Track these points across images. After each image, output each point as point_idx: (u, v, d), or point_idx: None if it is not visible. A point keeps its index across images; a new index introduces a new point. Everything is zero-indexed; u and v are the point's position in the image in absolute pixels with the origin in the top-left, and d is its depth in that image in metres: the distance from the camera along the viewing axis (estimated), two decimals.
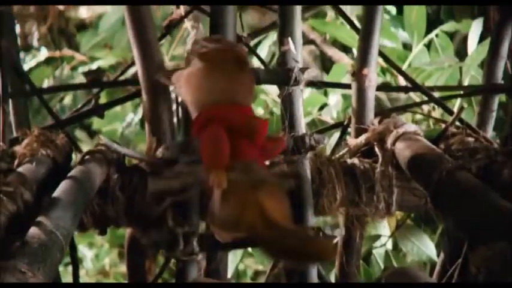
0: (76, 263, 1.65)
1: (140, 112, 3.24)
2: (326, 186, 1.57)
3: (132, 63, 1.72)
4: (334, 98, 2.68)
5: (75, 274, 1.64)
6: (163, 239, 1.51)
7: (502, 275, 0.96)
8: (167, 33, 1.82)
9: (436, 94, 2.00)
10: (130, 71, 2.15)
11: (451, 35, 3.02)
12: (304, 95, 1.76)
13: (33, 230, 1.08)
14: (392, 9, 3.31)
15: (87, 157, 1.49)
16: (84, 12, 3.85)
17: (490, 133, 1.76)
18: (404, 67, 2.75)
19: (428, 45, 2.87)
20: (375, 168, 1.60)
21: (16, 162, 1.48)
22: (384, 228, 2.09)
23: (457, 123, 1.68)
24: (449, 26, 2.91)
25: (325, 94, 2.76)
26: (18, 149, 1.53)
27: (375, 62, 1.70)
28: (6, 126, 1.58)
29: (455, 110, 1.89)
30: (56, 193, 1.26)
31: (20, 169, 1.41)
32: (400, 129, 1.59)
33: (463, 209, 1.22)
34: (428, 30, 2.85)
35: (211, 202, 1.25)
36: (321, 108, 2.76)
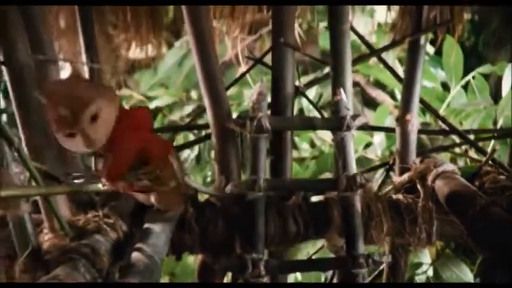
0: None
1: (196, 149, 3.49)
2: (374, 219, 1.75)
3: (204, 110, 1.95)
4: (379, 137, 2.89)
5: None
6: (232, 264, 1.73)
7: None
8: (232, 85, 2.07)
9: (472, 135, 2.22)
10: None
11: (487, 76, 3.23)
12: None
13: (136, 255, 1.32)
14: (430, 49, 3.52)
15: None
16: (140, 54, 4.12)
17: None
18: (443, 107, 2.96)
19: (466, 86, 3.08)
20: (417, 202, 1.77)
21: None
22: (425, 257, 2.28)
23: (491, 162, 1.89)
24: (485, 68, 3.11)
25: (370, 133, 2.98)
26: None
27: (417, 108, 1.92)
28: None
29: (489, 149, 2.10)
30: (148, 224, 1.50)
31: (113, 203, 1.64)
32: (439, 169, 1.78)
33: (494, 239, 1.43)
34: (467, 69, 3.06)
35: None
36: (366, 146, 2.97)
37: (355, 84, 3.38)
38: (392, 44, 2.05)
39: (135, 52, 3.51)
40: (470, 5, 2.11)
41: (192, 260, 3.59)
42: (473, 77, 3.06)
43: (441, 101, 3.08)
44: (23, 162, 1.27)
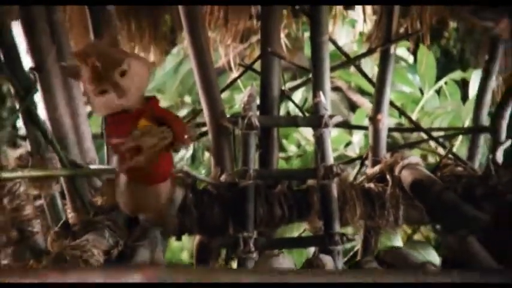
0: None
1: (191, 149, 3.74)
2: (348, 203, 1.99)
3: (200, 110, 2.20)
4: (357, 136, 3.17)
5: None
6: (226, 243, 1.99)
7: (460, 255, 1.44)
8: (226, 89, 2.34)
9: (442, 133, 2.50)
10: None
11: (463, 81, 3.50)
12: (332, 134, 2.21)
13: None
14: (409, 57, 3.80)
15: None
16: None
17: (477, 163, 2.23)
18: (417, 109, 3.25)
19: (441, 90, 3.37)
20: (386, 190, 2.02)
21: None
22: (398, 241, 2.56)
23: (452, 156, 2.17)
24: (456, 74, 3.40)
25: (350, 133, 3.26)
26: None
27: (387, 109, 2.18)
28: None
29: (456, 145, 2.38)
30: None
31: None
32: (405, 161, 2.03)
33: (446, 216, 1.70)
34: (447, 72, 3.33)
35: None
36: (347, 145, 3.24)
37: (338, 89, 3.65)
38: (365, 53, 2.31)
39: None
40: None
41: (186, 257, 3.84)
42: (446, 83, 3.35)
43: (417, 104, 3.37)
44: (54, 150, 1.53)
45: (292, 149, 3.72)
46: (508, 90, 2.09)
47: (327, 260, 1.75)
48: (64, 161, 1.56)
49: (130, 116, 1.41)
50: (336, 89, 3.63)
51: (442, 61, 3.90)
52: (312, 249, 2.39)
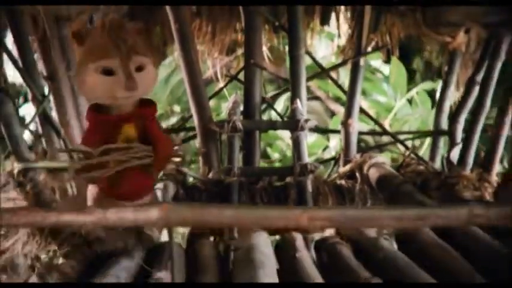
0: None
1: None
2: (322, 198, 2.23)
3: (190, 116, 2.45)
4: (334, 141, 3.42)
5: None
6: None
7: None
8: (213, 96, 2.59)
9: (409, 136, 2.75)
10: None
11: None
12: (311, 139, 2.43)
13: None
14: (385, 69, 4.06)
15: (163, 177, 2.21)
16: None
17: (438, 162, 2.48)
18: (390, 117, 3.51)
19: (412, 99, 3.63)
20: (355, 186, 2.26)
21: None
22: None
23: (414, 156, 2.43)
24: (427, 85, 3.67)
25: (328, 139, 3.51)
26: None
27: (357, 115, 2.43)
28: None
29: (423, 147, 2.63)
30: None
31: None
32: (372, 161, 2.28)
33: (403, 204, 1.96)
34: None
35: None
36: (324, 149, 3.49)
37: (317, 98, 3.91)
38: (338, 65, 2.56)
39: None
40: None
41: None
42: (417, 92, 3.61)
43: (390, 111, 3.63)
44: (65, 147, 1.78)
45: (276, 156, 3.97)
46: (463, 97, 2.35)
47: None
48: (74, 158, 1.80)
49: (115, 119, 1.37)
50: (316, 98, 3.88)
51: (425, 72, 4.15)
52: None
